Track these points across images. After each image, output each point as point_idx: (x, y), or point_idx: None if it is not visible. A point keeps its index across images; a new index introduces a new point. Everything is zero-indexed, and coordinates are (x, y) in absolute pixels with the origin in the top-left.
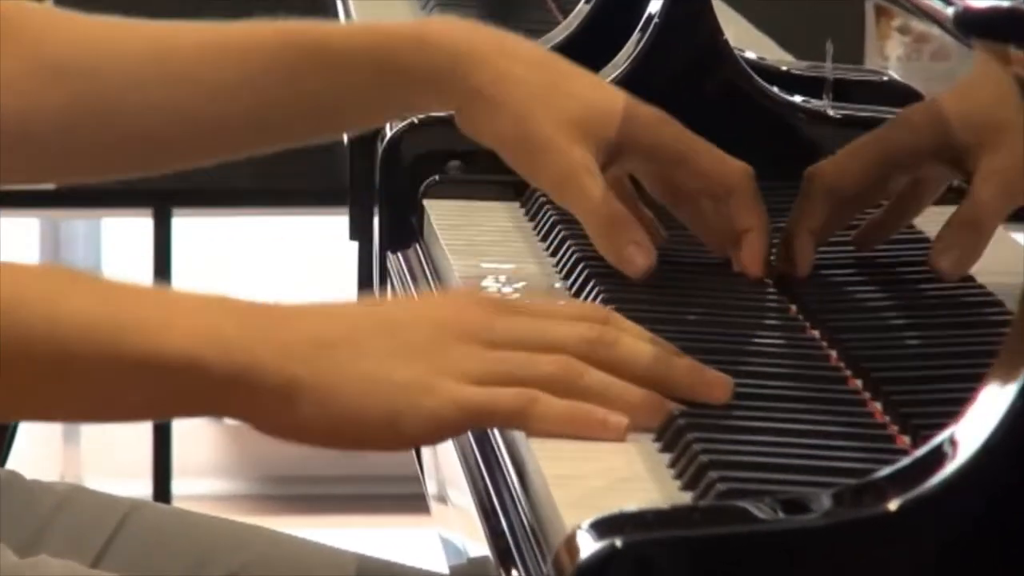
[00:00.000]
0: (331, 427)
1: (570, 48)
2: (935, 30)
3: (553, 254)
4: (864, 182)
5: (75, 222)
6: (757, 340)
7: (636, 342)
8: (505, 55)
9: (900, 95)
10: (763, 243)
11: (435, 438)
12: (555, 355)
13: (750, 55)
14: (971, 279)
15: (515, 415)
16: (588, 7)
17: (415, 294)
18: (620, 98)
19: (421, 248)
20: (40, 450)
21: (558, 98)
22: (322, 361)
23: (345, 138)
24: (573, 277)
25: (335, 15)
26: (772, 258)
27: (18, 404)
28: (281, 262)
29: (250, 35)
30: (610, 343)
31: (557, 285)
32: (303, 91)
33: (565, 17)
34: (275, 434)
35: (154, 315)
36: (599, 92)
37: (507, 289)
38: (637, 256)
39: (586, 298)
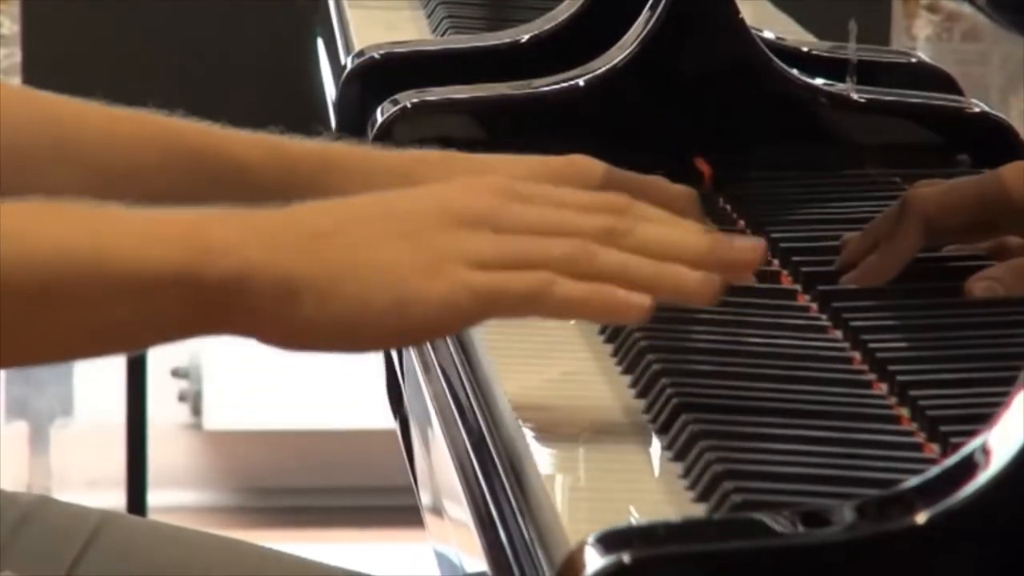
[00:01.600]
0: (336, 324)
1: (575, 28)
2: (966, 8)
3: None
4: (960, 222)
5: None
6: (775, 342)
7: (655, 227)
8: (404, 167)
9: (929, 78)
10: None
11: (448, 326)
12: (568, 237)
13: (769, 35)
14: None
15: (530, 298)
16: None
17: None
18: (539, 160)
19: None
20: (5, 459)
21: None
22: (319, 253)
23: (332, 124)
24: None
25: (328, 19)
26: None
27: (10, 344)
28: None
29: (146, 128)
30: (625, 231)
31: None
32: (192, 196)
33: None
34: (280, 342)
35: (136, 230)
36: (519, 164)
37: None
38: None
39: None
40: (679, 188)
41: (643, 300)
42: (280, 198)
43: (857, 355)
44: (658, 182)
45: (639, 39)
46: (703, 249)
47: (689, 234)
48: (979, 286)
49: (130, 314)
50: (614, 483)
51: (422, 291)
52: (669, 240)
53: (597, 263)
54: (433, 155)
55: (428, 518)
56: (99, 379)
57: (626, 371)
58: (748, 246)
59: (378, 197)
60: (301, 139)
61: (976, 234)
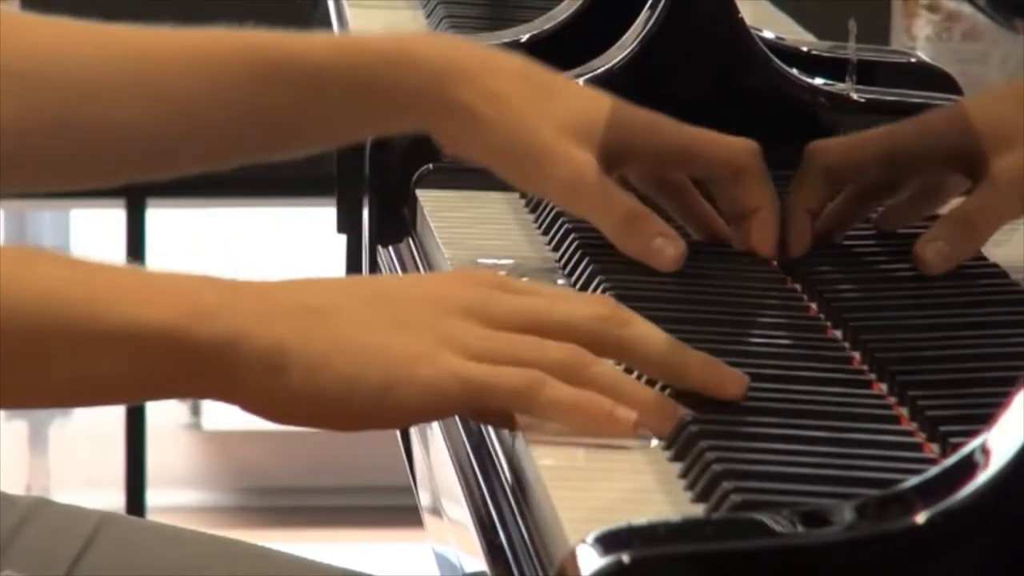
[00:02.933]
0: (321, 399)
1: (574, 27)
2: (966, 8)
3: (556, 248)
4: (865, 173)
5: (42, 213)
6: (774, 341)
7: (648, 327)
8: (490, 70)
9: (928, 77)
10: (773, 221)
11: (432, 412)
12: (563, 342)
13: (768, 35)
14: (1005, 276)
15: (518, 395)
16: None
17: None
18: (610, 103)
19: (414, 241)
20: (4, 460)
21: (550, 108)
22: (311, 328)
23: None
24: (577, 273)
25: (328, 19)
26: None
27: None
28: (263, 258)
29: (222, 47)
30: (623, 323)
31: (560, 281)
32: (276, 108)
33: None
34: (262, 411)
35: (130, 287)
36: (590, 99)
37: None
38: (667, 247)
39: (590, 294)
40: (740, 143)
41: (629, 415)
42: (358, 96)
43: (857, 355)
44: (722, 143)
45: (639, 39)
46: (691, 376)
47: (673, 348)
48: (928, 252)
49: (119, 368)
50: (614, 483)
51: (411, 375)
52: (659, 343)
53: (589, 373)
54: (511, 64)
55: (428, 518)
56: None
57: (625, 371)
58: (734, 380)
59: (374, 279)
60: (376, 37)
61: (885, 189)
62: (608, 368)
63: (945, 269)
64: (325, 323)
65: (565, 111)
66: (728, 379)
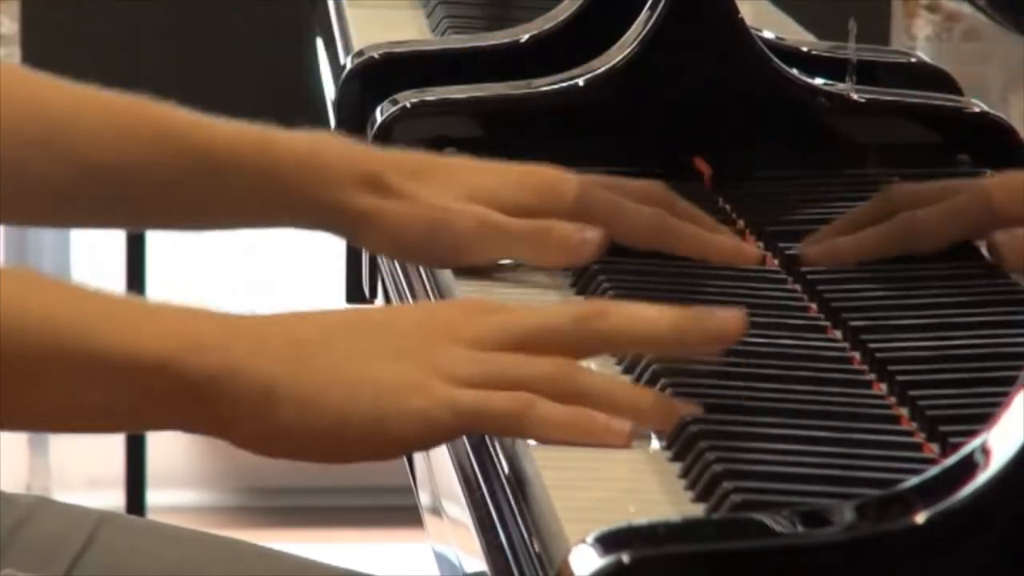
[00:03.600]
0: (313, 434)
1: (574, 27)
2: (966, 8)
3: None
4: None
5: (42, 231)
6: (774, 341)
7: (626, 308)
8: (371, 169)
9: (928, 77)
10: (723, 238)
11: (425, 442)
12: (550, 356)
13: (768, 35)
14: (1005, 276)
15: (510, 419)
16: None
17: (409, 299)
18: (512, 170)
19: None
20: (4, 459)
21: (442, 184)
22: (302, 362)
23: (332, 124)
24: (577, 272)
25: (327, 19)
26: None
27: None
28: (262, 270)
29: (136, 114)
30: (600, 314)
31: (558, 281)
32: (178, 189)
33: None
34: (252, 445)
35: (126, 316)
36: (490, 170)
37: (508, 286)
38: (582, 239)
39: (591, 293)
40: (646, 184)
41: (623, 427)
42: (255, 195)
43: (857, 355)
44: (635, 188)
45: (639, 39)
46: (689, 336)
47: (664, 323)
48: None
49: (109, 397)
50: (614, 483)
51: (403, 407)
52: (644, 339)
53: (580, 384)
54: (409, 159)
55: (428, 518)
56: None
57: (625, 371)
58: (732, 322)
59: (362, 311)
60: (292, 136)
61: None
62: (597, 378)
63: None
64: (316, 357)
65: (459, 183)
66: (725, 322)
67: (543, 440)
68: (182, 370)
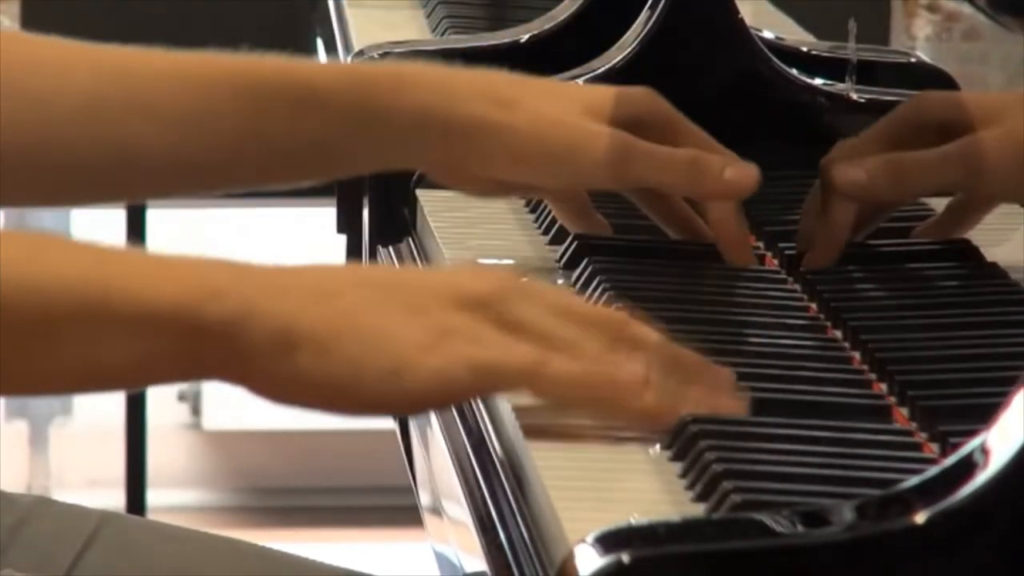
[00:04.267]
0: (329, 382)
1: (574, 27)
2: (966, 8)
3: (555, 247)
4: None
5: (42, 213)
6: (774, 341)
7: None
8: (491, 82)
9: (928, 77)
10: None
11: (441, 397)
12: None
13: (768, 35)
14: (1005, 276)
15: (527, 373)
16: None
17: None
18: (610, 88)
19: (414, 241)
20: (4, 459)
21: (559, 100)
22: (322, 309)
23: None
24: (577, 272)
25: (327, 19)
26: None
27: (5, 372)
28: (263, 260)
29: (214, 68)
30: (630, 322)
31: (560, 281)
32: (271, 131)
33: None
34: (269, 392)
35: (140, 269)
36: (588, 87)
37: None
38: (740, 174)
39: (590, 293)
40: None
41: (635, 376)
42: (359, 119)
43: (857, 355)
44: (710, 142)
45: (639, 39)
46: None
47: (680, 377)
48: (840, 174)
49: (130, 351)
50: (614, 483)
51: (418, 362)
52: (656, 381)
53: (593, 355)
54: (504, 76)
55: (428, 518)
56: None
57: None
58: (733, 408)
59: (387, 268)
60: (372, 63)
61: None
62: (611, 357)
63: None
64: (335, 305)
65: (572, 99)
66: (726, 405)
67: (558, 399)
68: (199, 317)
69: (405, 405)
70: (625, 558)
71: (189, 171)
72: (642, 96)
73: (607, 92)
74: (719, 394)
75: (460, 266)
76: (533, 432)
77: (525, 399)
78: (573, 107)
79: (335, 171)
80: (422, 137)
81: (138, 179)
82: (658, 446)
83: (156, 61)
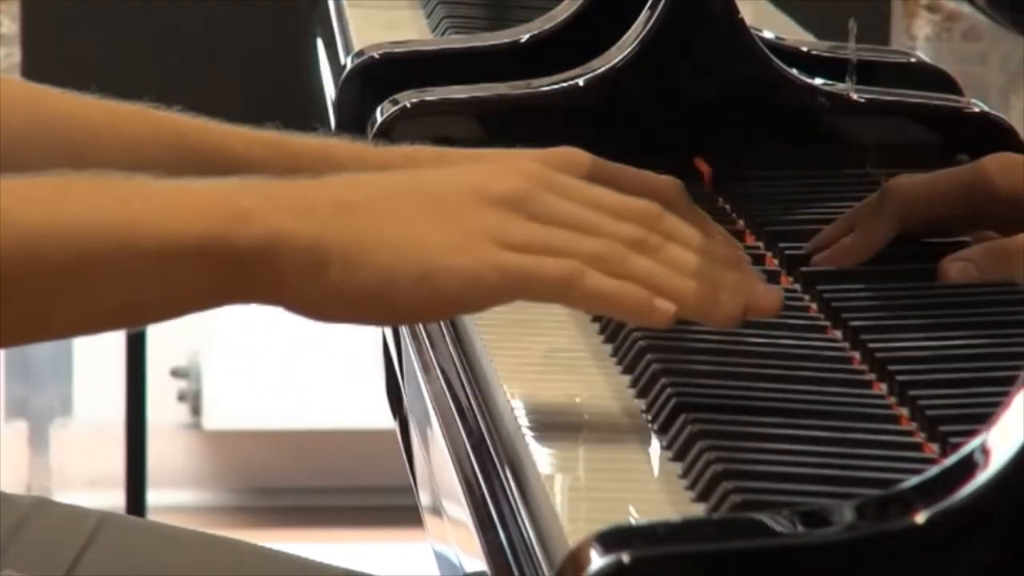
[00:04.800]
0: (360, 293)
1: (574, 27)
2: (966, 8)
3: None
4: (940, 211)
5: None
6: (774, 341)
7: (682, 251)
8: (404, 163)
9: (928, 77)
10: (725, 239)
11: (473, 301)
12: (599, 237)
13: (768, 35)
14: None
15: (560, 284)
16: None
17: None
18: (528, 152)
19: None
20: (4, 459)
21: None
22: (347, 222)
23: (332, 124)
24: None
25: (327, 19)
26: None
27: (31, 322)
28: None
29: (141, 123)
30: (654, 248)
31: None
32: None
33: None
34: (305, 309)
35: (165, 200)
36: (511, 157)
37: None
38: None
39: None
40: (665, 180)
41: (669, 306)
42: None
43: (857, 355)
44: (644, 175)
45: (639, 39)
46: (724, 283)
47: (715, 264)
48: (954, 267)
49: (160, 284)
50: (614, 483)
51: (449, 265)
52: (694, 267)
53: (627, 266)
54: (429, 152)
55: (428, 518)
56: (99, 379)
57: (626, 371)
58: (770, 295)
59: (411, 174)
60: (300, 136)
61: (955, 226)
62: (644, 262)
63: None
64: (361, 217)
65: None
66: (764, 297)
67: (588, 309)
68: (230, 242)
69: (441, 309)
70: (625, 558)
71: None
72: (561, 156)
73: (523, 160)
74: (755, 281)
75: (486, 165)
76: (533, 432)
77: (525, 397)
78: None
79: None
80: None
81: None
82: (657, 443)
83: (92, 112)
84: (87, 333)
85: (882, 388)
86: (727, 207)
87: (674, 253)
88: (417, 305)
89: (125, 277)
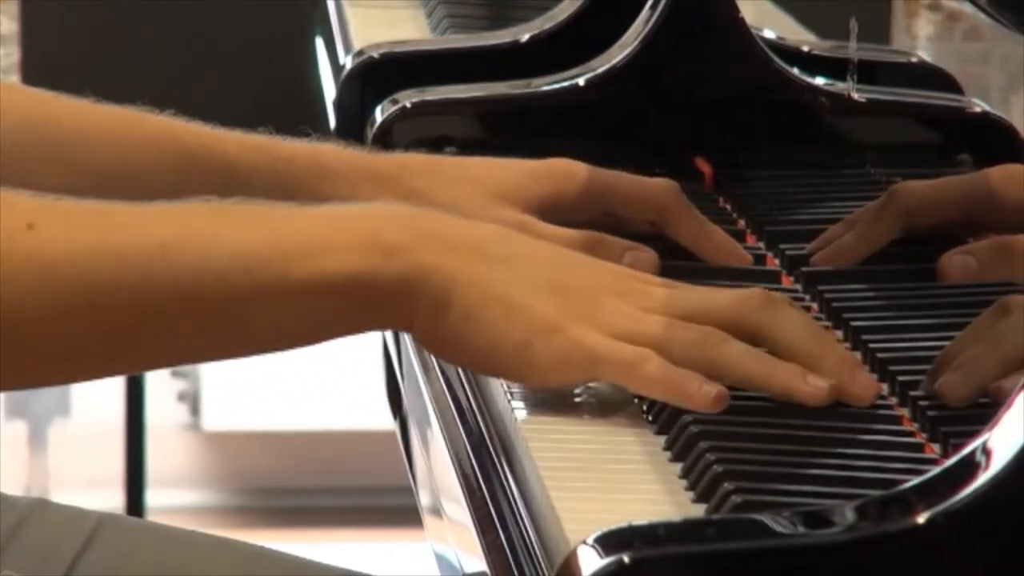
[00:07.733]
0: (469, 344)
1: (574, 27)
2: (967, 8)
3: None
4: (944, 217)
5: None
6: None
7: (793, 313)
8: (395, 171)
9: (929, 77)
10: (721, 240)
11: (561, 375)
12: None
13: (769, 35)
14: None
15: (623, 368)
16: None
17: None
18: (523, 166)
19: None
20: (4, 460)
21: (465, 185)
22: (479, 270)
23: (332, 124)
24: None
25: (327, 19)
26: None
27: (183, 349)
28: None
29: (138, 126)
30: (763, 306)
31: None
32: (191, 193)
33: None
34: (428, 346)
35: (316, 235)
36: (502, 167)
37: None
38: (637, 259)
39: None
40: (661, 184)
41: (709, 391)
42: (269, 198)
43: (857, 355)
44: (640, 181)
45: (639, 39)
46: (825, 367)
47: (810, 346)
48: (954, 261)
49: (312, 318)
50: (614, 483)
51: (546, 340)
52: (789, 347)
53: (714, 351)
54: (419, 160)
55: (427, 518)
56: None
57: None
58: (869, 386)
59: (558, 250)
60: (291, 140)
61: (957, 233)
62: (736, 347)
63: (961, 280)
64: (489, 273)
65: (479, 185)
66: (860, 381)
67: (644, 393)
68: (376, 278)
69: (535, 379)
70: (626, 558)
71: None
72: (557, 168)
73: (519, 172)
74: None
75: (616, 265)
76: (533, 432)
77: (525, 397)
78: (476, 195)
79: None
80: None
81: None
82: (657, 442)
83: (83, 113)
84: (232, 358)
85: (883, 388)
86: (728, 207)
87: (784, 316)
88: (515, 370)
89: (274, 310)
